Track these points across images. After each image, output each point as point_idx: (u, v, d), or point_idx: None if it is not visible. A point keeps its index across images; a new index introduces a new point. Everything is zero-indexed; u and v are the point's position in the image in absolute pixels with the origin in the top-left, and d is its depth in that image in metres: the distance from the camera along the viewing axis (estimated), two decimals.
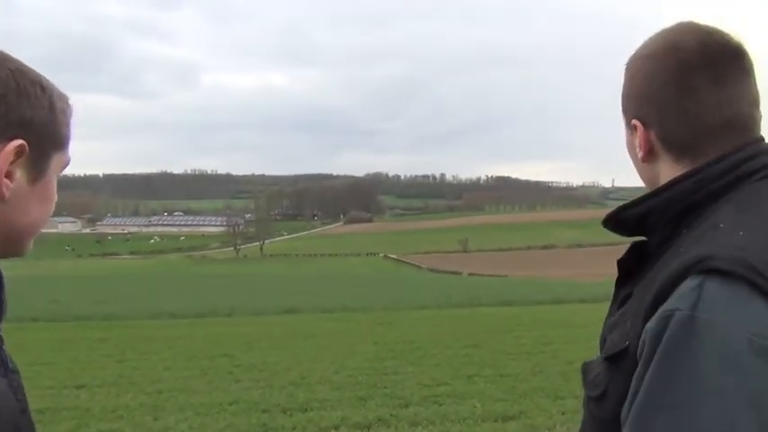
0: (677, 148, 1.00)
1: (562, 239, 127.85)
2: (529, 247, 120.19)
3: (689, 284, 0.82)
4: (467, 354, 10.69)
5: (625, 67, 1.08)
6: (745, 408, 0.75)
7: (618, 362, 0.92)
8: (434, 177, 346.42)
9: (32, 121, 0.85)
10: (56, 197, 0.94)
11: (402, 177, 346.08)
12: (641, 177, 1.10)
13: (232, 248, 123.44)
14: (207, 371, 9.78)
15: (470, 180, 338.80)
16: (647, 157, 1.04)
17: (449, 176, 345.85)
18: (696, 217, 0.95)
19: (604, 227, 1.07)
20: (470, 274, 67.35)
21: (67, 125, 0.92)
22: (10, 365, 0.93)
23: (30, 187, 0.88)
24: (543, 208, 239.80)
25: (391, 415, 6.51)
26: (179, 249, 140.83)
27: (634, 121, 1.04)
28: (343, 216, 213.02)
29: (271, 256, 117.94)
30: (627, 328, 0.93)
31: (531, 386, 7.85)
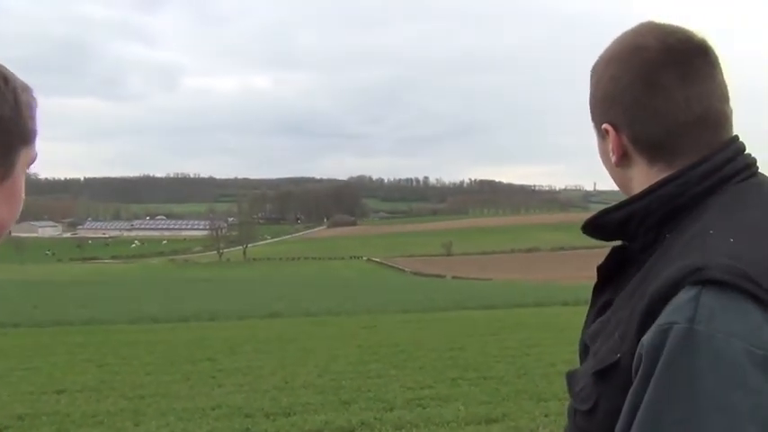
0: (650, 150, 0.98)
1: (545, 243, 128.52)
2: (512, 251, 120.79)
3: (684, 296, 0.80)
4: (451, 357, 10.70)
5: (590, 72, 1.06)
6: (748, 422, 0.74)
7: (608, 376, 0.90)
8: (418, 181, 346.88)
9: None
10: (24, 195, 0.89)
11: (386, 181, 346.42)
12: (615, 182, 1.07)
13: (215, 252, 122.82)
14: (189, 375, 9.70)
15: (454, 183, 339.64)
16: (620, 162, 1.02)
17: (433, 180, 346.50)
18: (679, 221, 0.93)
19: (584, 232, 1.04)
20: (454, 278, 67.58)
21: (33, 118, 0.87)
22: None
23: None
24: (527, 211, 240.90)
25: (375, 418, 6.50)
26: (161, 253, 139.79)
27: (605, 126, 1.01)
28: (327, 220, 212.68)
29: (254, 259, 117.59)
30: (616, 341, 0.90)
31: (515, 389, 7.87)
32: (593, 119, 1.06)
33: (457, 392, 7.77)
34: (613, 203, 1.02)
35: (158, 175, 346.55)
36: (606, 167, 1.08)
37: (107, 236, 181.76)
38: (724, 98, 0.99)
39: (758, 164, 0.99)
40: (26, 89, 0.86)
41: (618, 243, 1.05)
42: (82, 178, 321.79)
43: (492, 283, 52.60)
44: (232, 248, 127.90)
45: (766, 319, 0.78)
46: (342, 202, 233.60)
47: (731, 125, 1.00)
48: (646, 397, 0.79)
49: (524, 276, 64.17)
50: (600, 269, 1.05)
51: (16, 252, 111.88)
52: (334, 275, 71.12)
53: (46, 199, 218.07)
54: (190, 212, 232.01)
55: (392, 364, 10.08)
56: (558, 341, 11.66)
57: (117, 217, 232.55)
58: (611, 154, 1.02)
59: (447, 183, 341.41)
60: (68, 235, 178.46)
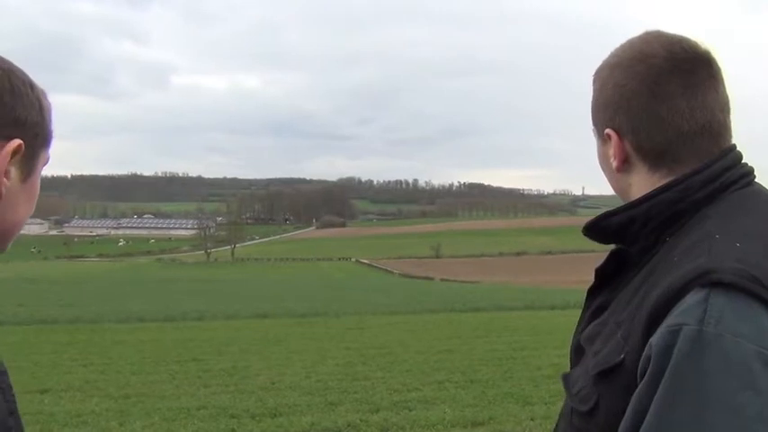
0: (653, 157, 1.00)
1: (534, 246, 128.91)
2: (501, 254, 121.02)
3: (693, 298, 0.81)
4: (438, 359, 10.70)
5: (593, 77, 1.07)
6: (757, 423, 0.74)
7: (611, 376, 0.90)
8: (408, 183, 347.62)
9: (26, 121, 0.86)
10: (38, 193, 0.95)
11: (375, 182, 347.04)
12: (614, 188, 1.08)
13: (203, 252, 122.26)
14: (175, 375, 9.65)
15: (444, 186, 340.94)
16: (621, 167, 1.03)
17: (422, 182, 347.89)
18: (680, 226, 0.95)
19: (585, 234, 1.05)
20: (443, 280, 67.53)
21: (51, 122, 0.93)
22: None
23: (21, 185, 0.89)
24: (515, 215, 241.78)
25: (361, 420, 6.50)
26: (148, 252, 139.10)
27: (608, 131, 1.02)
28: (316, 221, 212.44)
29: (242, 260, 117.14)
30: (618, 341, 0.90)
31: (502, 392, 7.88)
32: (595, 123, 1.06)
33: (443, 395, 7.77)
34: (611, 208, 1.03)
35: (146, 173, 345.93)
36: (605, 172, 1.08)
37: (94, 234, 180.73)
38: (725, 108, 1.00)
39: (755, 173, 1.01)
40: (45, 95, 0.92)
41: (615, 246, 1.06)
42: (69, 176, 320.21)
43: (480, 285, 52.59)
44: (220, 248, 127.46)
45: None
46: (331, 203, 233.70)
47: (731, 135, 1.01)
48: (655, 398, 0.79)
49: (512, 279, 64.29)
50: (598, 271, 1.06)
51: None
52: (322, 276, 70.94)
53: None
54: (177, 211, 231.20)
55: (379, 366, 10.08)
56: (546, 345, 11.70)
57: (104, 215, 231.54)
58: (612, 159, 1.03)
59: (436, 185, 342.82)
60: (55, 233, 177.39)
